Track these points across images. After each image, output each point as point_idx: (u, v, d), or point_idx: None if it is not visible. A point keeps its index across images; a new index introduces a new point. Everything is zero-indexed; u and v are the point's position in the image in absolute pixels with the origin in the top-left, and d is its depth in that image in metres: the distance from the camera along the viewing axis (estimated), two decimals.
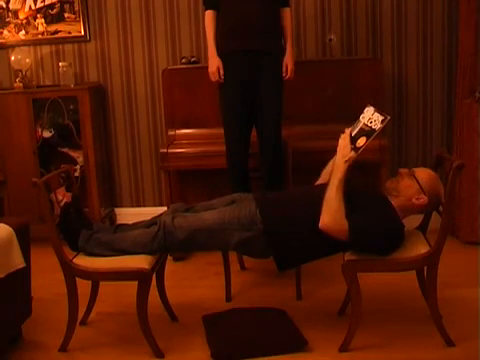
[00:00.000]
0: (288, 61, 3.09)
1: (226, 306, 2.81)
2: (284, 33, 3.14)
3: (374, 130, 2.32)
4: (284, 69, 3.08)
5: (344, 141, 2.36)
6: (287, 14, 3.15)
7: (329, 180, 2.34)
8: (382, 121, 2.31)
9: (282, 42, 3.14)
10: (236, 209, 2.46)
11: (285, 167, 3.16)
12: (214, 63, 3.06)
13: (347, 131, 2.39)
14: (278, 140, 3.10)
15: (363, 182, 2.59)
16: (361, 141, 2.33)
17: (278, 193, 2.70)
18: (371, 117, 2.34)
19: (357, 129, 2.36)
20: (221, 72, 3.04)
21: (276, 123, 3.08)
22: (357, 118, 2.41)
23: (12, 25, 4.05)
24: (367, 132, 2.33)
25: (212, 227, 2.41)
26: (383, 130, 2.36)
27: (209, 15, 3.12)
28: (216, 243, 2.47)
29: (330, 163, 2.56)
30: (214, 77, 3.07)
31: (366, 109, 2.37)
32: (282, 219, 2.40)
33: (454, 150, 3.62)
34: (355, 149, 2.32)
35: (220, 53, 3.07)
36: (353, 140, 2.34)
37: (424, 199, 2.37)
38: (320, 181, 2.62)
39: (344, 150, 2.34)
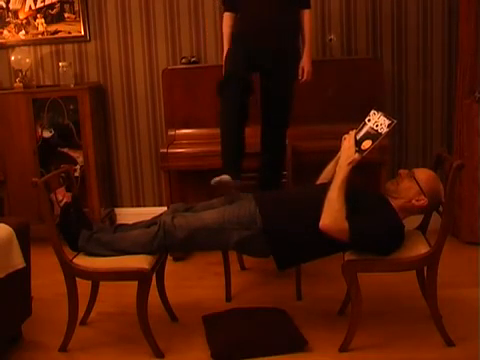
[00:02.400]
0: (305, 63, 3.03)
1: (226, 306, 2.81)
2: (302, 35, 3.06)
3: (380, 134, 2.32)
4: (300, 72, 3.03)
5: (349, 143, 2.36)
6: (306, 16, 3.06)
7: (331, 180, 2.35)
8: (389, 125, 2.32)
9: (299, 44, 3.07)
10: (236, 208, 2.46)
11: (285, 163, 3.16)
12: None
13: (351, 133, 2.39)
14: (284, 124, 3.05)
15: (363, 182, 2.59)
16: (366, 144, 2.33)
17: (278, 192, 2.70)
18: (377, 121, 2.35)
19: (363, 132, 2.37)
20: None
21: (284, 106, 3.02)
22: (359, 119, 2.41)
23: (12, 25, 4.05)
24: (373, 135, 2.33)
25: (212, 226, 2.41)
26: (388, 134, 2.37)
27: (227, 17, 3.07)
28: (216, 242, 2.47)
29: (332, 162, 2.57)
30: None
31: (372, 112, 2.38)
32: (282, 218, 2.40)
33: (454, 150, 3.63)
34: (360, 152, 2.33)
35: (233, 37, 3.01)
36: (358, 143, 2.35)
37: (424, 201, 2.37)
38: (320, 180, 2.62)
39: (348, 152, 2.34)
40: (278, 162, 3.12)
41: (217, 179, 2.65)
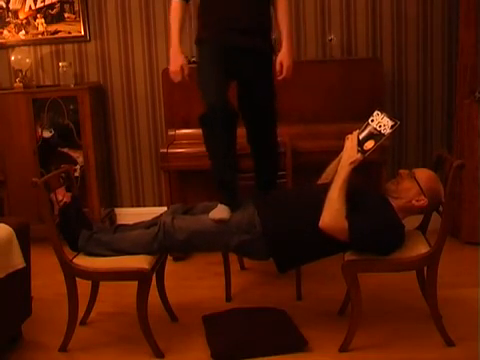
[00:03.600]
0: (284, 58, 2.63)
1: (226, 306, 2.81)
2: (279, 26, 2.68)
3: (383, 134, 2.33)
4: (278, 67, 2.65)
5: (351, 143, 2.36)
6: (282, 4, 2.66)
7: (332, 180, 2.34)
8: (392, 126, 2.32)
9: (272, 39, 2.76)
10: (235, 212, 2.46)
11: (283, 163, 3.07)
12: (178, 61, 2.61)
13: (354, 133, 2.39)
14: (273, 103, 2.69)
15: (363, 182, 2.59)
16: (369, 144, 2.34)
17: (277, 194, 2.68)
18: (381, 121, 2.35)
19: (365, 132, 2.37)
20: (185, 71, 2.61)
21: (269, 105, 2.69)
22: (359, 119, 2.41)
23: (12, 25, 4.05)
24: (376, 136, 2.34)
25: (211, 230, 2.41)
26: (391, 135, 2.37)
27: (177, 6, 2.65)
28: (215, 246, 2.48)
29: (333, 162, 2.57)
30: (177, 77, 2.62)
31: (376, 113, 2.38)
32: (281, 221, 2.40)
33: (454, 150, 3.63)
34: (362, 152, 2.33)
35: (200, 40, 2.70)
36: (360, 143, 2.35)
37: (424, 201, 2.37)
38: (322, 180, 2.62)
39: (351, 151, 2.34)
40: (274, 163, 2.91)
41: (217, 218, 2.43)
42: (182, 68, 2.61)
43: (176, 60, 2.63)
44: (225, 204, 2.51)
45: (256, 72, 2.64)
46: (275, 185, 2.93)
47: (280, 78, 2.67)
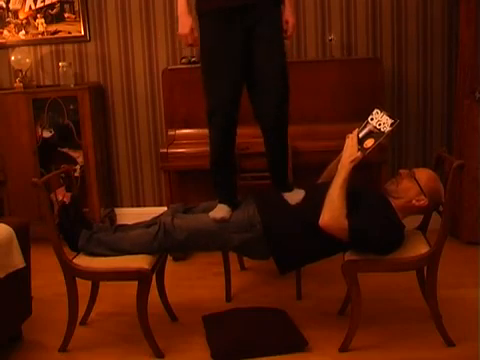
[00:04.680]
0: (289, 16, 2.59)
1: (226, 306, 2.80)
2: None
3: (383, 132, 2.33)
4: (285, 26, 2.59)
5: (351, 141, 2.36)
6: None
7: (333, 178, 2.34)
8: (391, 124, 2.33)
9: None
10: (235, 211, 2.46)
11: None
12: (187, 23, 2.48)
13: (355, 131, 2.39)
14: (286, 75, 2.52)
15: (363, 182, 2.59)
16: (369, 142, 2.34)
17: (278, 193, 2.68)
18: (380, 119, 2.35)
19: (365, 130, 2.37)
20: (195, 34, 2.50)
21: (282, 65, 2.51)
22: (359, 119, 2.41)
23: (12, 25, 4.06)
24: (376, 134, 2.34)
25: (211, 229, 2.41)
26: (391, 133, 2.37)
27: None
28: (216, 245, 2.48)
29: (334, 161, 2.56)
30: (187, 40, 2.51)
31: (375, 111, 2.38)
32: (282, 221, 2.40)
33: (454, 150, 3.62)
34: (362, 150, 2.33)
35: (201, 13, 2.54)
36: (360, 141, 2.35)
37: (424, 201, 2.37)
38: (322, 179, 2.62)
39: (351, 150, 2.34)
40: (285, 143, 2.66)
41: (218, 217, 2.43)
42: (192, 30, 2.49)
43: (185, 22, 2.51)
44: (222, 203, 2.52)
45: (267, 33, 2.48)
46: (287, 170, 2.74)
47: (289, 35, 2.63)
